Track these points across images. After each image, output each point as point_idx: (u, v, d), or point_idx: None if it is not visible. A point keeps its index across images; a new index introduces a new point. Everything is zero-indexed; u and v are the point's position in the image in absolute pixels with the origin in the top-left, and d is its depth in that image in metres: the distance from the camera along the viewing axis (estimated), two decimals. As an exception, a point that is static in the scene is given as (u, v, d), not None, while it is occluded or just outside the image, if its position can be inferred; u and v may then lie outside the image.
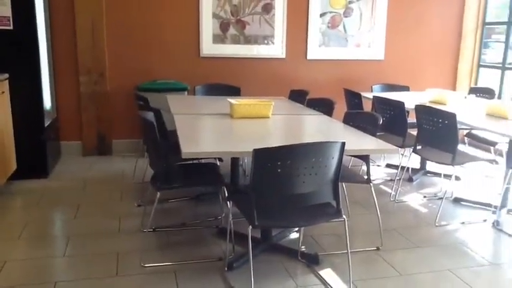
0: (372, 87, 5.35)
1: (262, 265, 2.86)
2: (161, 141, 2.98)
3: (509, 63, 5.99)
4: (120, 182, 4.36)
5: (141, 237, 3.20)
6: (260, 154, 2.21)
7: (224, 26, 5.46)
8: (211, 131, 3.07)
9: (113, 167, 4.87)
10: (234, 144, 2.71)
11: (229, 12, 5.45)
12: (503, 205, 3.72)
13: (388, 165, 5.11)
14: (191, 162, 3.46)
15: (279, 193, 2.35)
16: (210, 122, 3.30)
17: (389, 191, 4.29)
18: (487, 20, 6.28)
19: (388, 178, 4.70)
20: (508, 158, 3.65)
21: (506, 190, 3.72)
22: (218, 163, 3.57)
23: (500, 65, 6.12)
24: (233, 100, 3.47)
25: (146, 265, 2.80)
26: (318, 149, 2.31)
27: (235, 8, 5.46)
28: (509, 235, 3.44)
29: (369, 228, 3.43)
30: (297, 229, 3.26)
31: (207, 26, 5.40)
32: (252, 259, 2.54)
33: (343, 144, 2.36)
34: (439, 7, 6.10)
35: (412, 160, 4.87)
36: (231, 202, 2.73)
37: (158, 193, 2.89)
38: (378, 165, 5.16)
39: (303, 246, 3.10)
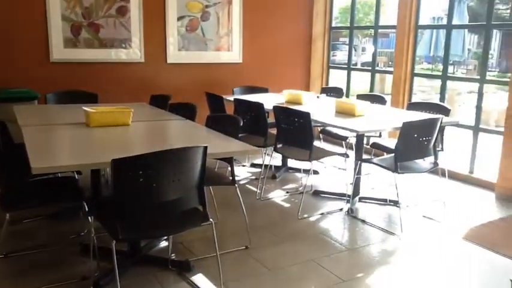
0: (233, 89, 5.47)
1: (132, 279, 2.74)
2: (7, 156, 2.68)
3: (354, 64, 6.57)
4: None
5: (-10, 266, 2.85)
6: (119, 164, 2.11)
7: (75, 29, 5.13)
8: (65, 143, 2.85)
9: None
10: (91, 156, 2.56)
11: (80, 14, 5.14)
12: (355, 194, 4.07)
13: (253, 165, 5.28)
14: (46, 177, 3.18)
15: (142, 203, 2.27)
16: (63, 132, 3.07)
17: (255, 189, 4.43)
18: (333, 25, 6.82)
19: (254, 177, 4.85)
20: (357, 151, 4.01)
21: (357, 180, 4.08)
22: (77, 176, 3.34)
23: (346, 66, 6.70)
24: (89, 108, 3.27)
25: (-3, 297, 2.50)
26: (180, 155, 2.28)
27: (87, 10, 5.16)
28: (362, 221, 3.78)
29: (237, 229, 3.49)
30: (166, 238, 3.19)
31: (56, 29, 5.02)
32: (121, 274, 2.42)
33: (205, 148, 2.36)
34: (290, 12, 6.46)
35: (275, 158, 5.09)
36: (92, 217, 2.57)
37: (8, 214, 2.60)
38: (244, 165, 5.30)
39: (173, 254, 3.04)
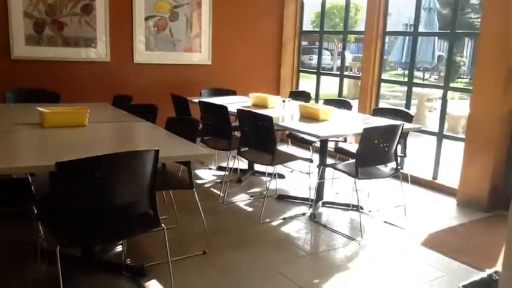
0: (200, 91, 5.41)
1: (85, 284, 2.66)
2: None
3: (330, 68, 6.58)
4: None
5: None
6: (65, 167, 2.04)
7: (38, 26, 5.00)
8: (18, 144, 2.76)
9: None
10: (43, 157, 2.48)
11: (43, 11, 5.01)
12: (318, 199, 4.06)
13: (220, 168, 5.22)
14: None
15: (90, 207, 2.19)
16: (17, 133, 2.96)
17: (219, 193, 4.38)
18: (308, 29, 6.82)
19: (219, 180, 4.79)
20: (320, 156, 4.00)
21: (320, 185, 4.07)
22: (30, 179, 3.23)
23: (315, 70, 6.71)
24: (44, 108, 3.17)
25: None
26: (129, 159, 2.21)
27: (51, 7, 5.03)
28: (324, 226, 3.77)
29: (197, 233, 3.43)
30: (121, 242, 3.11)
31: (18, 26, 4.88)
32: (73, 279, 2.33)
33: (157, 152, 2.30)
34: (261, 15, 6.44)
35: (242, 162, 5.05)
36: (40, 222, 2.48)
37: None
38: (210, 168, 5.24)
39: (128, 259, 2.97)
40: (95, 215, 2.23)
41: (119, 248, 3.12)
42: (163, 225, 2.41)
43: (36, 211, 2.69)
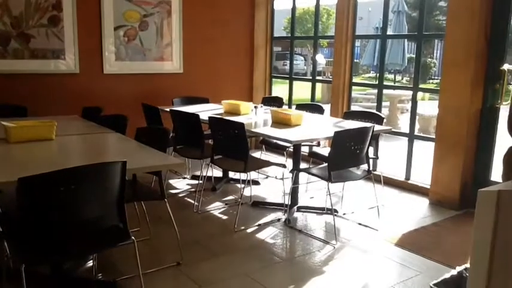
0: (172, 100, 5.37)
1: (51, 303, 2.59)
2: None
3: (303, 73, 6.62)
4: None
5: None
6: (28, 183, 1.99)
7: (4, 39, 4.89)
8: (-22, 160, 2.68)
9: None
10: (7, 173, 2.40)
11: (9, 24, 4.91)
12: (292, 204, 4.06)
13: (194, 177, 5.18)
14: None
15: (55, 223, 2.14)
16: (-21, 149, 2.89)
17: (193, 202, 4.34)
18: (275, 35, 6.85)
19: (193, 189, 4.75)
20: (294, 161, 4.01)
21: (294, 190, 4.08)
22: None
23: (288, 76, 6.75)
24: (9, 123, 3.10)
25: None
26: (95, 171, 2.17)
27: (16, 19, 4.93)
28: (299, 230, 3.77)
29: (170, 244, 3.38)
30: (91, 257, 3.05)
31: (-18, 40, 4.77)
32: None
33: (124, 163, 2.27)
34: (232, 23, 6.44)
35: (216, 170, 5.03)
36: (5, 240, 2.41)
37: None
38: (184, 177, 5.20)
39: (99, 274, 2.91)
40: (62, 231, 2.18)
41: (90, 264, 3.05)
42: (133, 237, 2.37)
43: (0, 229, 2.62)
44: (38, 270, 2.59)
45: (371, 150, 3.91)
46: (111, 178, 2.22)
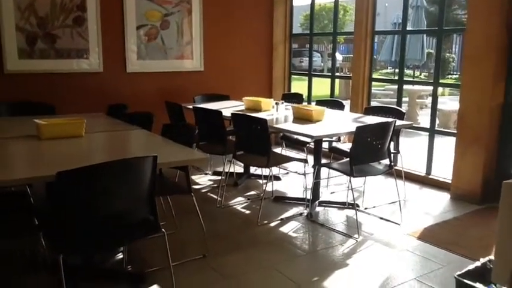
0: (194, 98, 5.46)
1: (85, 293, 2.69)
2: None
3: (320, 70, 6.65)
4: None
5: None
6: (64, 177, 2.08)
7: (31, 40, 5.03)
8: (15, 156, 2.80)
9: None
10: (41, 169, 2.51)
11: (35, 25, 5.05)
12: (314, 198, 4.12)
13: (215, 173, 5.27)
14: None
15: (89, 215, 2.23)
16: (14, 146, 3.00)
17: (216, 197, 4.42)
18: (297, 32, 6.89)
19: (215, 185, 4.84)
20: (315, 156, 4.06)
21: (316, 185, 4.13)
22: (29, 190, 3.26)
23: (307, 72, 6.79)
24: (40, 120, 3.21)
25: None
26: (128, 166, 2.26)
27: (42, 20, 5.07)
28: (321, 224, 3.82)
29: (196, 237, 3.47)
30: (121, 249, 3.14)
31: (10, 40, 4.91)
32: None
33: (155, 158, 2.35)
34: (251, 20, 6.51)
35: (237, 166, 5.11)
36: (42, 232, 2.52)
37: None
38: (206, 173, 5.29)
39: (129, 266, 3.00)
40: (96, 223, 2.27)
41: (119, 256, 3.15)
42: (163, 230, 2.46)
43: (36, 222, 2.73)
44: (70, 262, 2.68)
45: (392, 145, 3.93)
46: (142, 172, 2.31)
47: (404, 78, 5.58)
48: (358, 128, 3.46)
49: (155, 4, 5.70)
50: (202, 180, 5.02)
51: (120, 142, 3.31)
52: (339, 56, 19.63)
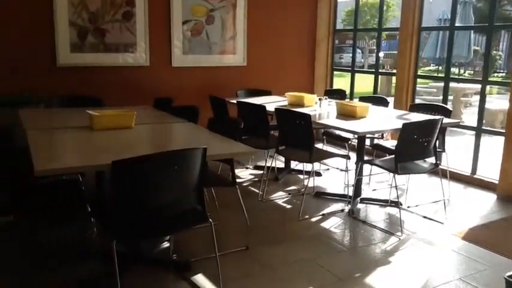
0: (236, 92, 5.52)
1: (133, 279, 2.79)
2: (11, 160, 2.76)
3: (361, 66, 6.59)
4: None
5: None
6: (119, 166, 2.17)
7: (82, 34, 5.22)
8: (68, 145, 2.92)
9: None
10: (93, 158, 2.62)
11: (87, 19, 5.23)
12: (356, 195, 4.10)
13: (257, 167, 5.32)
14: (51, 180, 3.25)
15: (141, 203, 2.32)
16: (67, 135, 3.14)
17: (257, 191, 4.47)
18: (339, 28, 6.85)
19: (256, 179, 4.89)
20: (358, 153, 4.04)
21: (358, 181, 4.11)
22: (81, 178, 3.40)
23: (350, 68, 6.73)
24: (93, 111, 3.34)
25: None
26: (179, 157, 2.33)
27: (94, 15, 5.25)
28: (363, 221, 3.81)
29: (238, 229, 3.54)
30: (167, 238, 3.24)
31: (63, 34, 5.11)
32: (122, 274, 2.46)
33: (205, 150, 2.41)
34: (294, 15, 6.51)
35: (278, 160, 5.15)
36: (93, 218, 2.63)
37: (11, 216, 2.67)
38: (247, 167, 5.35)
39: (174, 255, 3.09)
40: (146, 211, 2.36)
41: (165, 245, 3.25)
42: (210, 220, 2.52)
43: (89, 209, 2.85)
44: (117, 249, 2.79)
45: (437, 143, 3.87)
46: (192, 163, 2.38)
47: (450, 76, 5.45)
48: (404, 124, 3.43)
49: (201, -1, 5.80)
50: (244, 174, 5.09)
51: (168, 134, 3.40)
52: (380, 53, 19.28)
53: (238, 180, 4.84)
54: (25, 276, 2.81)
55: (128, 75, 5.53)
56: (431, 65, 21.18)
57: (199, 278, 2.83)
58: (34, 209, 2.80)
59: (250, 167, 5.37)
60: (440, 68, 17.00)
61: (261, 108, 4.24)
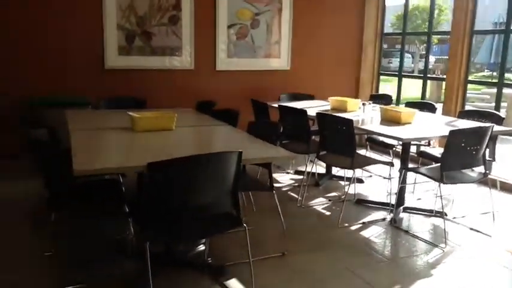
0: (279, 96, 5.49)
1: (168, 281, 2.81)
2: (54, 160, 2.84)
3: (411, 71, 6.42)
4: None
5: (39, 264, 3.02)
6: (155, 167, 2.19)
7: (130, 37, 5.36)
8: (110, 146, 2.99)
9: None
10: (133, 159, 2.66)
11: (134, 23, 5.36)
12: (399, 204, 3.96)
13: (297, 172, 5.26)
14: (93, 180, 3.33)
15: (176, 205, 2.33)
16: (109, 136, 3.21)
17: (297, 196, 4.41)
18: (387, 31, 6.68)
19: (296, 184, 4.83)
20: (402, 160, 3.91)
21: (401, 189, 3.98)
22: (122, 179, 3.47)
23: (397, 73, 6.55)
24: (135, 113, 3.40)
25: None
26: (214, 160, 2.32)
27: (141, 19, 5.37)
28: (405, 231, 3.67)
29: (275, 235, 3.49)
30: (203, 241, 3.24)
31: (112, 38, 5.26)
32: (156, 275, 2.48)
33: (240, 153, 2.39)
34: (340, 19, 6.41)
35: (319, 166, 5.06)
36: (131, 219, 2.67)
37: (53, 214, 2.75)
38: (288, 172, 5.30)
39: (209, 259, 3.09)
40: (181, 213, 2.37)
41: (201, 248, 3.25)
42: (245, 225, 2.50)
43: (127, 209, 2.90)
44: (153, 250, 2.82)
45: (487, 152, 3.68)
46: (228, 167, 2.36)
47: (505, 82, 5.19)
48: (451, 132, 3.28)
49: (247, 3, 5.81)
50: (284, 179, 5.04)
51: (207, 137, 3.41)
52: (431, 58, 18.72)
53: (278, 185, 4.80)
54: (62, 271, 2.89)
55: (173, 78, 5.62)
56: (485, 70, 20.34)
57: (233, 283, 2.81)
58: (72, 207, 2.87)
59: (291, 171, 5.31)
60: (494, 73, 16.28)
61: (302, 112, 4.19)
